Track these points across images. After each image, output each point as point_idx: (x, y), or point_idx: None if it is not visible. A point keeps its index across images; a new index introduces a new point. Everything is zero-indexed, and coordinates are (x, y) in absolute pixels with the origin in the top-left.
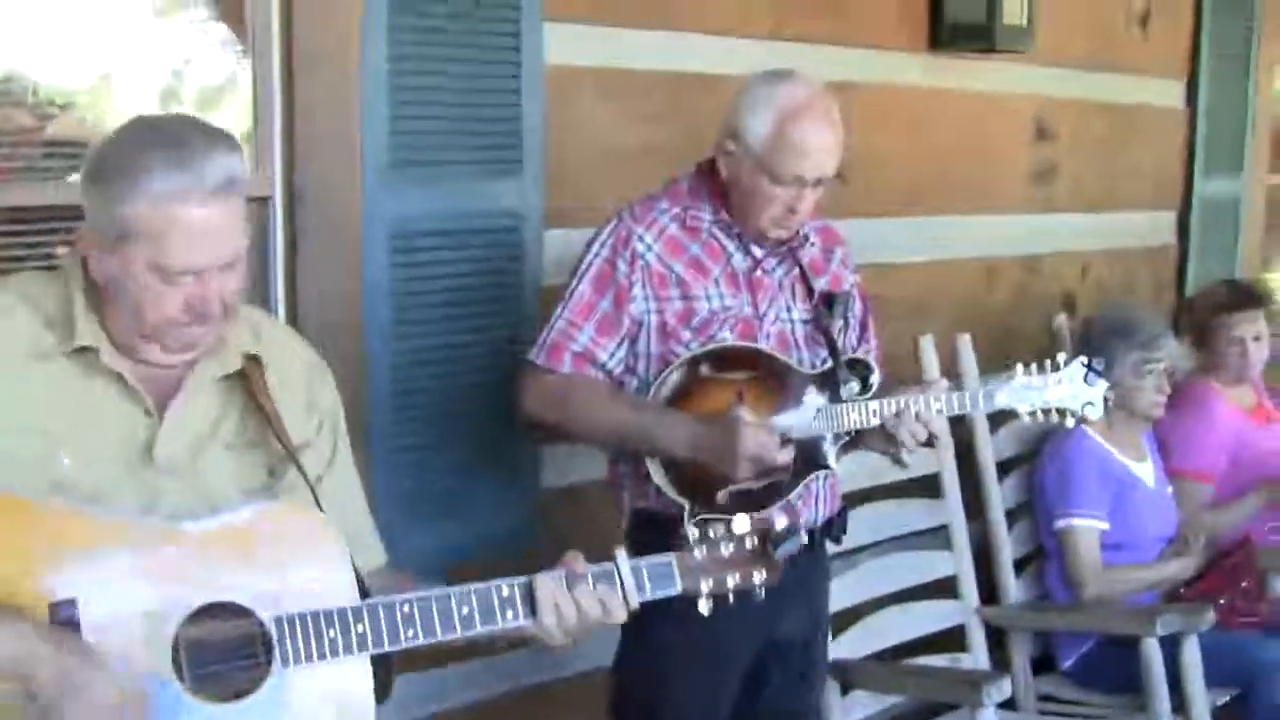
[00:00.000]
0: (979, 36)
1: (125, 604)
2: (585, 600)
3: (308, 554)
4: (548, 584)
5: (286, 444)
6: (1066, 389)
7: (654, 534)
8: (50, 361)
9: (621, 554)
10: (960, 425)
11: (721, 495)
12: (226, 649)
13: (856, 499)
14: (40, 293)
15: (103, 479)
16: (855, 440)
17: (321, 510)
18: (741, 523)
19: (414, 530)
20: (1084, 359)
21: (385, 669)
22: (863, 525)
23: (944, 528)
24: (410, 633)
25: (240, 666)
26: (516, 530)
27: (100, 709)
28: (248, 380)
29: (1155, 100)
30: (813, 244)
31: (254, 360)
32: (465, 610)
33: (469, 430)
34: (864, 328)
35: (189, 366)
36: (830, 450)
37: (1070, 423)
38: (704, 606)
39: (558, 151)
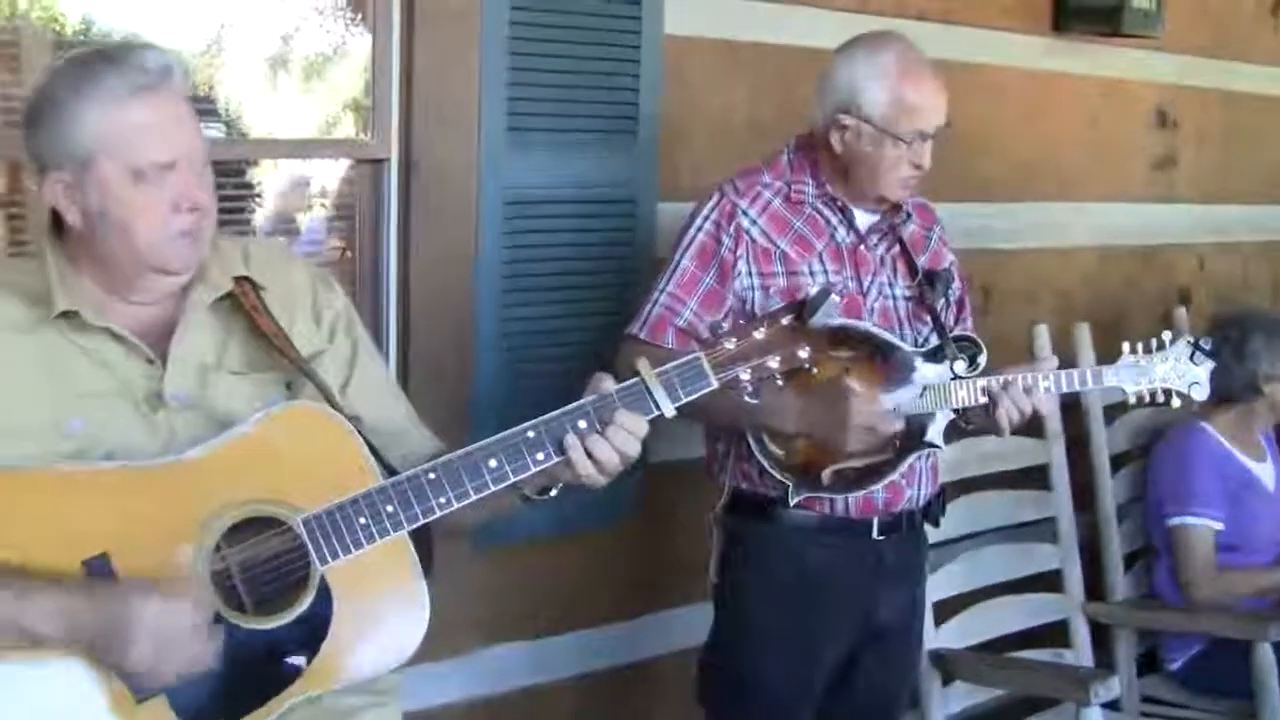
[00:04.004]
0: (1105, 19)
1: (155, 544)
2: (611, 432)
3: (319, 448)
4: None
5: (294, 358)
6: (1172, 367)
7: (751, 515)
8: (38, 334)
9: (644, 364)
10: (1074, 417)
11: (826, 475)
12: (272, 563)
13: (964, 487)
14: (14, 276)
15: (119, 433)
16: (960, 418)
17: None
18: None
19: None
20: (1190, 337)
21: (426, 546)
22: (969, 514)
23: (1050, 520)
24: (442, 499)
25: (288, 575)
26: (620, 504)
27: (153, 630)
28: (240, 303)
29: None
30: (912, 220)
31: (244, 281)
32: (493, 462)
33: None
34: (961, 306)
35: (180, 300)
36: (937, 428)
37: (1176, 403)
38: (748, 398)
39: (673, 124)
